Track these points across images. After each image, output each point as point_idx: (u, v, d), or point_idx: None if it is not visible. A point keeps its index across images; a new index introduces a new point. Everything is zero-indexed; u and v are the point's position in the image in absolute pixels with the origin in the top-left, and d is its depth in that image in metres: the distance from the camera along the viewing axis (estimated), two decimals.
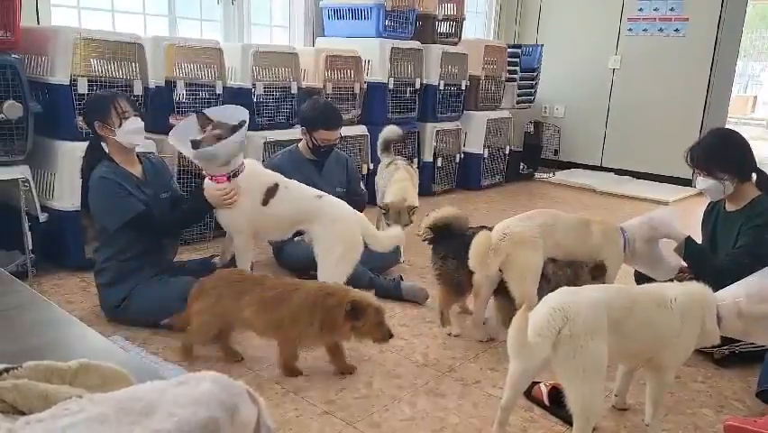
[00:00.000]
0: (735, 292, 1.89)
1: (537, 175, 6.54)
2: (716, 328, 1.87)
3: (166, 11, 4.33)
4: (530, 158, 6.48)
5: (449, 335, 2.68)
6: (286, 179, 2.73)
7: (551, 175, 6.52)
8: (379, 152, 3.99)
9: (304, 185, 2.77)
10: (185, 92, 3.58)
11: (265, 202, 2.59)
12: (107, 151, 2.56)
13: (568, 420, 1.90)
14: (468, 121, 5.68)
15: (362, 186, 3.76)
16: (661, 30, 6.25)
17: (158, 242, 2.67)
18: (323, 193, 2.70)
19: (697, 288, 1.94)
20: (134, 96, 3.18)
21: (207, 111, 2.57)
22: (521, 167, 6.38)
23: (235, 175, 2.52)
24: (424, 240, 2.75)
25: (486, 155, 5.77)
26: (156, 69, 3.51)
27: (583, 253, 2.58)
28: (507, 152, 6.03)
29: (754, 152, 2.63)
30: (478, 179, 5.76)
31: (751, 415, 2.11)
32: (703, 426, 2.10)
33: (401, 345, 2.58)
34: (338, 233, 2.58)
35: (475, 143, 5.70)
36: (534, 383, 2.14)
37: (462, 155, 5.62)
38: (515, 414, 2.06)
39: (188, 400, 0.54)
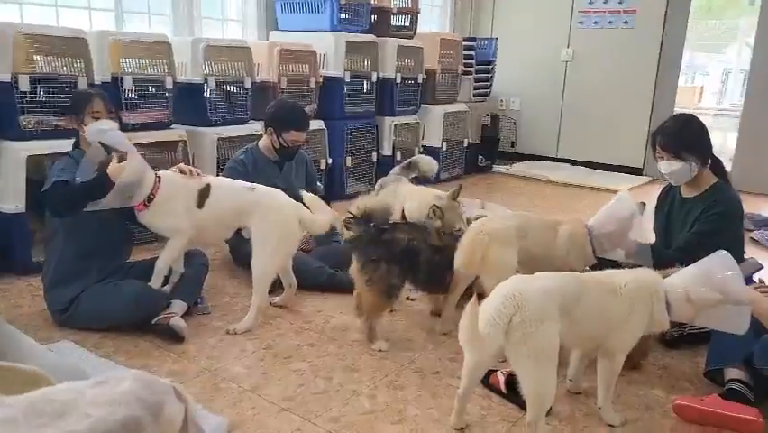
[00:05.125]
0: (683, 278, 1.94)
1: (496, 167, 6.61)
2: (665, 314, 1.92)
3: (112, 5, 4.20)
4: (488, 150, 6.54)
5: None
6: (217, 178, 2.70)
7: (509, 167, 6.60)
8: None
9: (236, 180, 2.75)
10: (133, 88, 3.49)
11: (200, 204, 2.57)
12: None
13: (524, 406, 1.92)
14: (426, 114, 5.70)
15: (319, 183, 3.73)
16: (610, 23, 6.38)
17: (107, 243, 2.60)
18: (255, 185, 2.69)
19: (647, 274, 1.99)
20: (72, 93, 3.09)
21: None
22: (479, 159, 6.44)
23: (150, 200, 2.50)
24: (348, 239, 2.43)
25: (444, 148, 5.80)
26: (102, 64, 3.41)
27: (551, 259, 2.47)
28: (465, 145, 6.08)
29: None
30: (437, 172, 5.77)
31: (699, 394, 2.18)
32: (654, 406, 2.16)
33: (361, 339, 2.57)
34: (273, 223, 2.57)
35: (433, 137, 5.73)
36: (492, 371, 2.16)
37: (421, 149, 5.64)
38: (473, 402, 2.08)
39: (106, 399, 0.52)
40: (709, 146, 2.64)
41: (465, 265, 2.37)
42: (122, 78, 3.44)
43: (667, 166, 2.61)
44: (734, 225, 2.63)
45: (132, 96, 3.51)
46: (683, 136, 2.60)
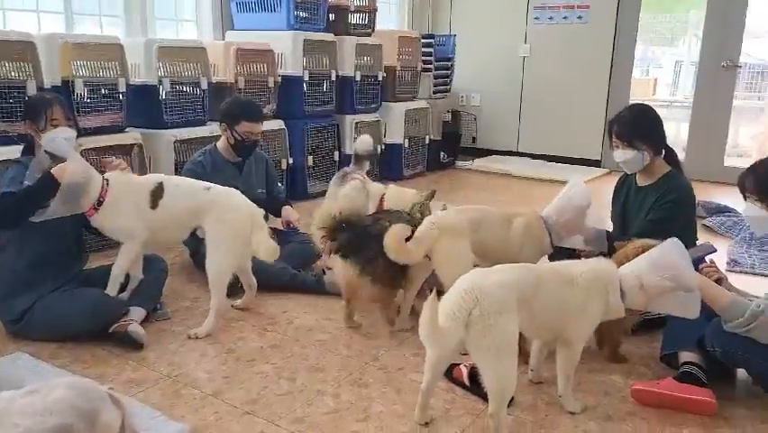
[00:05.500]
0: (636, 266, 1.99)
1: (458, 163, 6.66)
2: (620, 303, 1.96)
3: (61, 8, 4.09)
4: (449, 147, 6.58)
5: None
6: (170, 177, 2.66)
7: (470, 162, 6.66)
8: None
9: (193, 179, 2.72)
10: (85, 91, 3.41)
11: (154, 205, 2.53)
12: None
13: (487, 398, 1.94)
14: (386, 112, 5.71)
15: (280, 184, 3.69)
16: (565, 18, 6.50)
17: (61, 251, 2.54)
18: (211, 184, 2.66)
19: (602, 264, 2.04)
20: (28, 97, 3.00)
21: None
22: (441, 156, 6.48)
23: (100, 203, 2.45)
24: (335, 251, 2.49)
25: (406, 145, 5.82)
26: (51, 68, 3.32)
27: (506, 253, 2.51)
28: (426, 142, 6.11)
29: None
30: (400, 169, 5.80)
31: (655, 378, 2.23)
32: (613, 391, 2.21)
33: (325, 339, 2.56)
34: (228, 222, 2.55)
35: (395, 134, 5.73)
36: (455, 365, 2.18)
37: (383, 146, 5.64)
38: (437, 396, 2.10)
39: (37, 409, 0.50)
40: (663, 136, 2.72)
41: (395, 252, 2.33)
42: (73, 82, 3.36)
43: (621, 154, 2.68)
44: (686, 211, 2.72)
45: (85, 99, 3.43)
46: (637, 126, 2.67)
